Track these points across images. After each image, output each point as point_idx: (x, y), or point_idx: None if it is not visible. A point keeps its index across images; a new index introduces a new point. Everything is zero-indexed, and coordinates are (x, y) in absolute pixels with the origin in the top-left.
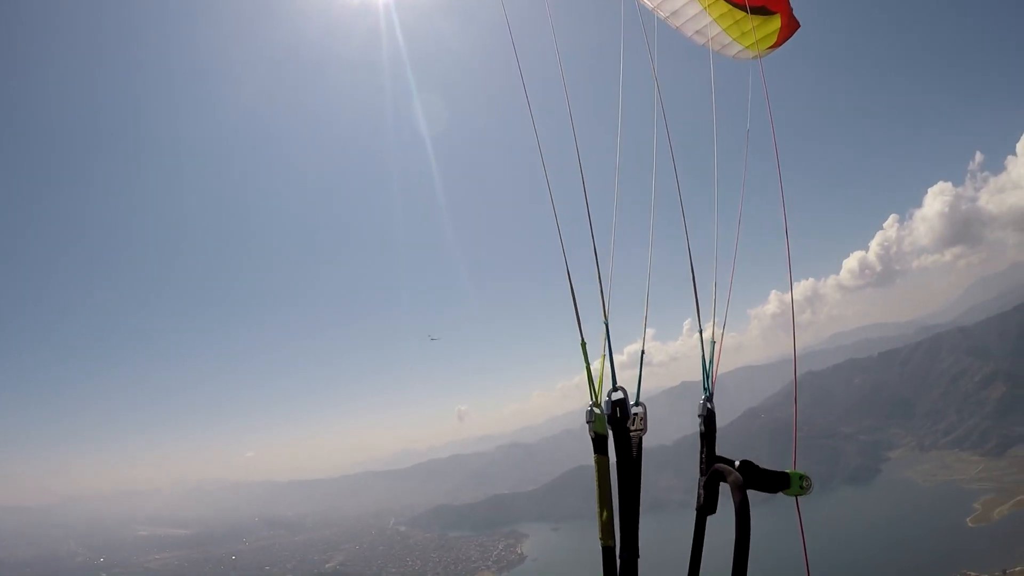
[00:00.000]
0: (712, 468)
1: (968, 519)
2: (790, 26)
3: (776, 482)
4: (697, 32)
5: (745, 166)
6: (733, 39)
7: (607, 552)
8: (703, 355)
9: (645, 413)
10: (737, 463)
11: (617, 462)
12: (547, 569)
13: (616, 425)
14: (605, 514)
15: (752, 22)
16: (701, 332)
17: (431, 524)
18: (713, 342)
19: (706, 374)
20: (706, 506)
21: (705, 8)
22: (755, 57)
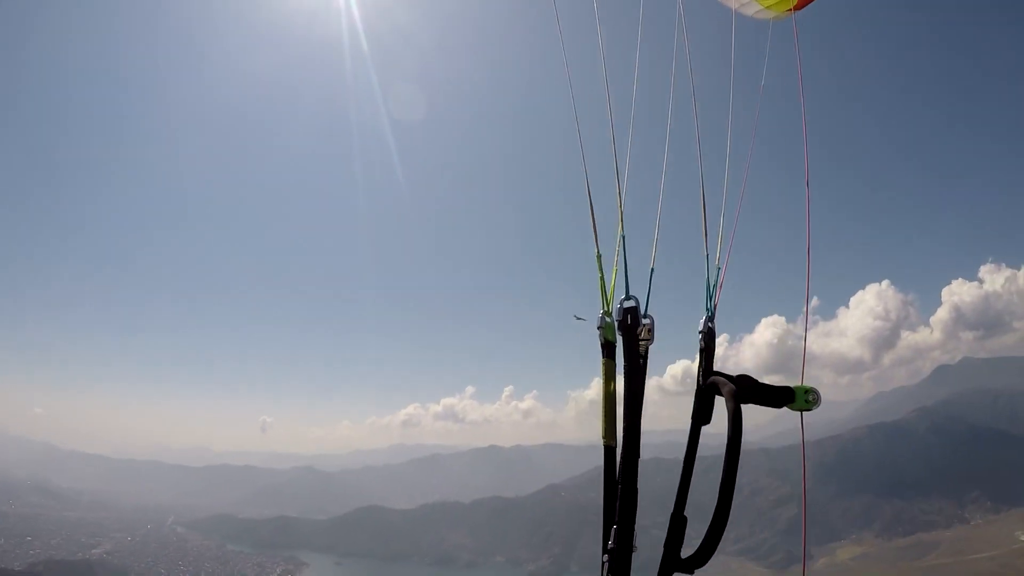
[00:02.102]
0: (708, 379)
1: None
2: None
3: (779, 397)
4: None
5: (756, 119)
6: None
7: (608, 451)
8: (708, 278)
9: (653, 324)
10: (735, 376)
11: (625, 367)
12: None
13: (626, 332)
14: (608, 414)
15: None
16: (708, 256)
17: (211, 531)
18: (719, 267)
19: (709, 295)
20: (700, 416)
21: None
22: (775, 19)
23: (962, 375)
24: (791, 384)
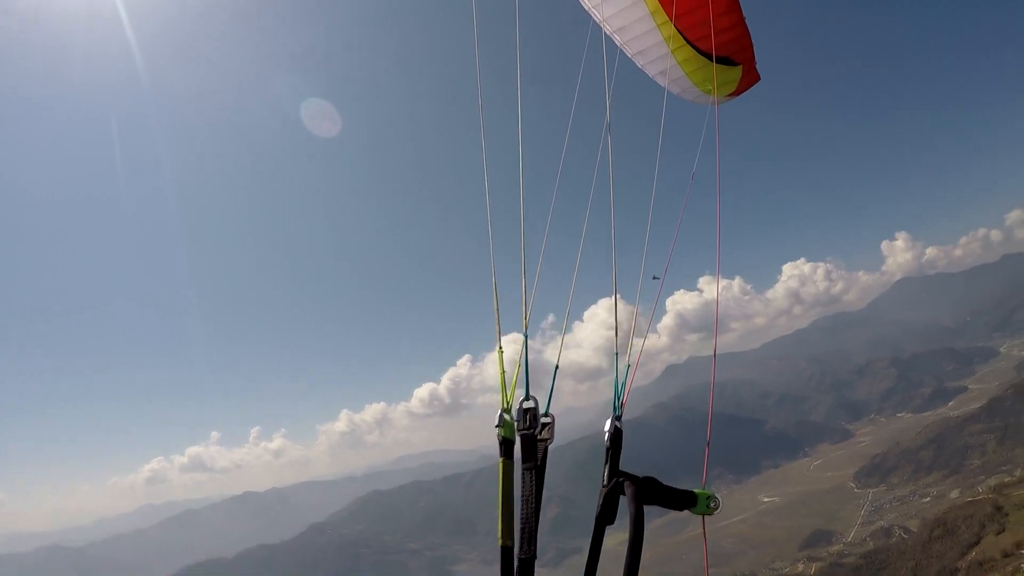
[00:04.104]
0: (613, 479)
1: None
2: (750, 76)
3: (681, 500)
4: (660, 73)
5: (684, 205)
6: (694, 84)
7: (505, 552)
8: (616, 376)
9: (553, 423)
10: (641, 477)
11: (523, 467)
12: None
13: (525, 433)
14: (505, 515)
15: (714, 70)
16: (617, 355)
17: None
18: (628, 365)
19: (617, 395)
20: (604, 515)
21: (672, 51)
22: (712, 104)
23: (690, 372)
24: (694, 489)
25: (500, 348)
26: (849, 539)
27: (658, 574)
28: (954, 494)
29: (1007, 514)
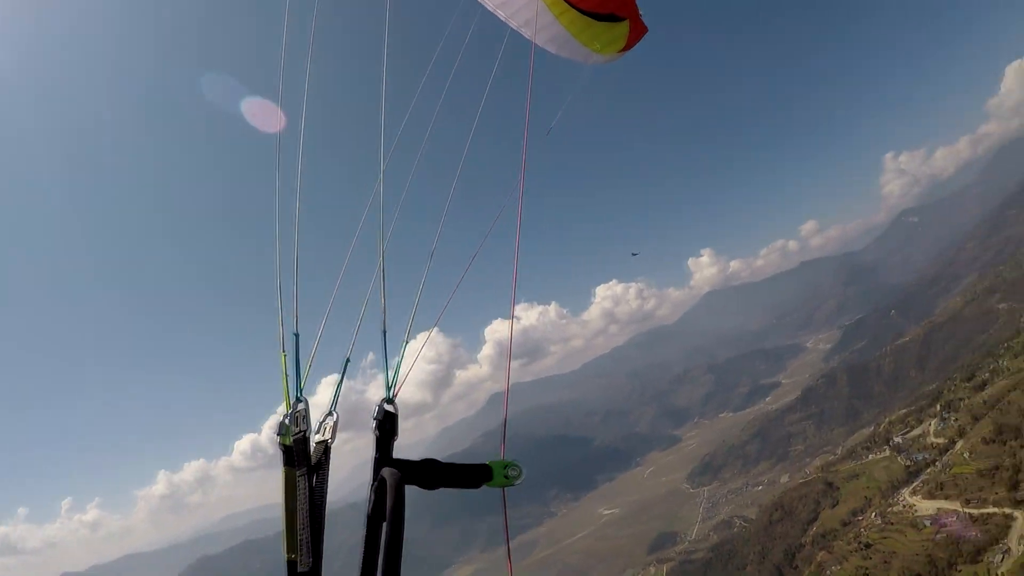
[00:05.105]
0: (380, 471)
1: None
2: (637, 28)
3: (473, 476)
4: (550, 40)
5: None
6: (582, 43)
7: (290, 566)
8: (385, 353)
9: (338, 422)
10: (417, 460)
11: (296, 473)
12: None
13: (299, 436)
14: (289, 526)
15: (601, 27)
16: (385, 333)
17: None
18: (406, 342)
19: (388, 378)
20: (375, 512)
21: (556, 17)
22: (607, 61)
23: (516, 398)
24: (487, 461)
25: (284, 352)
26: (693, 536)
27: None
28: (784, 479)
29: (838, 488)
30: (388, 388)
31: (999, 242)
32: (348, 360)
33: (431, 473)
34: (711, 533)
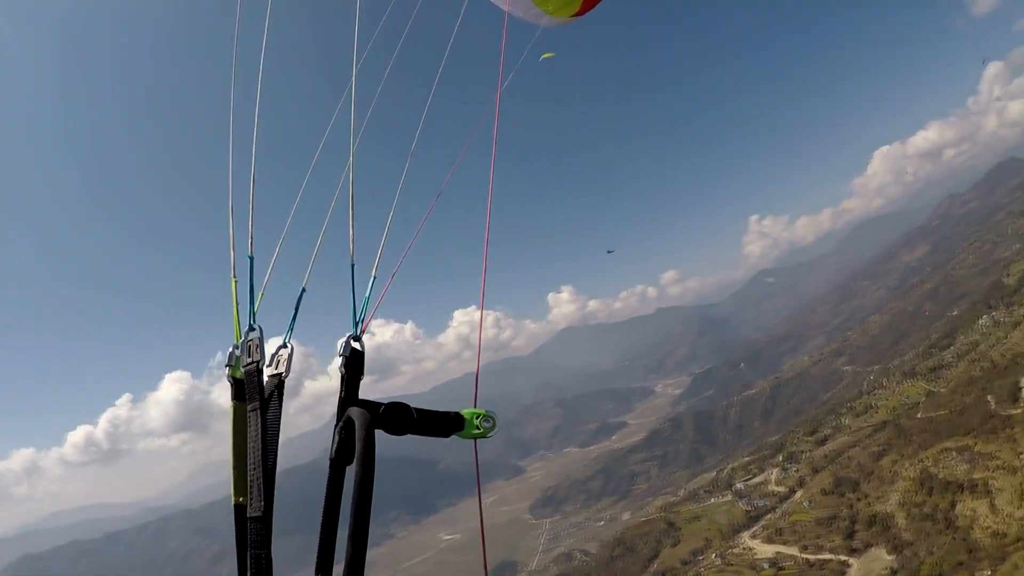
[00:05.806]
0: (345, 413)
1: None
2: None
3: (443, 425)
4: None
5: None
6: (534, 2)
7: (238, 511)
8: (353, 286)
9: (292, 354)
10: (385, 403)
11: (253, 407)
12: None
13: (250, 367)
14: (238, 467)
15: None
16: (353, 265)
17: None
18: (375, 277)
19: (356, 312)
20: (341, 455)
21: None
22: (563, 23)
23: None
24: (461, 410)
25: (235, 277)
26: (533, 567)
27: None
28: (626, 516)
29: (679, 528)
30: (355, 324)
31: (848, 309)
32: (304, 290)
33: (401, 418)
34: (551, 564)
